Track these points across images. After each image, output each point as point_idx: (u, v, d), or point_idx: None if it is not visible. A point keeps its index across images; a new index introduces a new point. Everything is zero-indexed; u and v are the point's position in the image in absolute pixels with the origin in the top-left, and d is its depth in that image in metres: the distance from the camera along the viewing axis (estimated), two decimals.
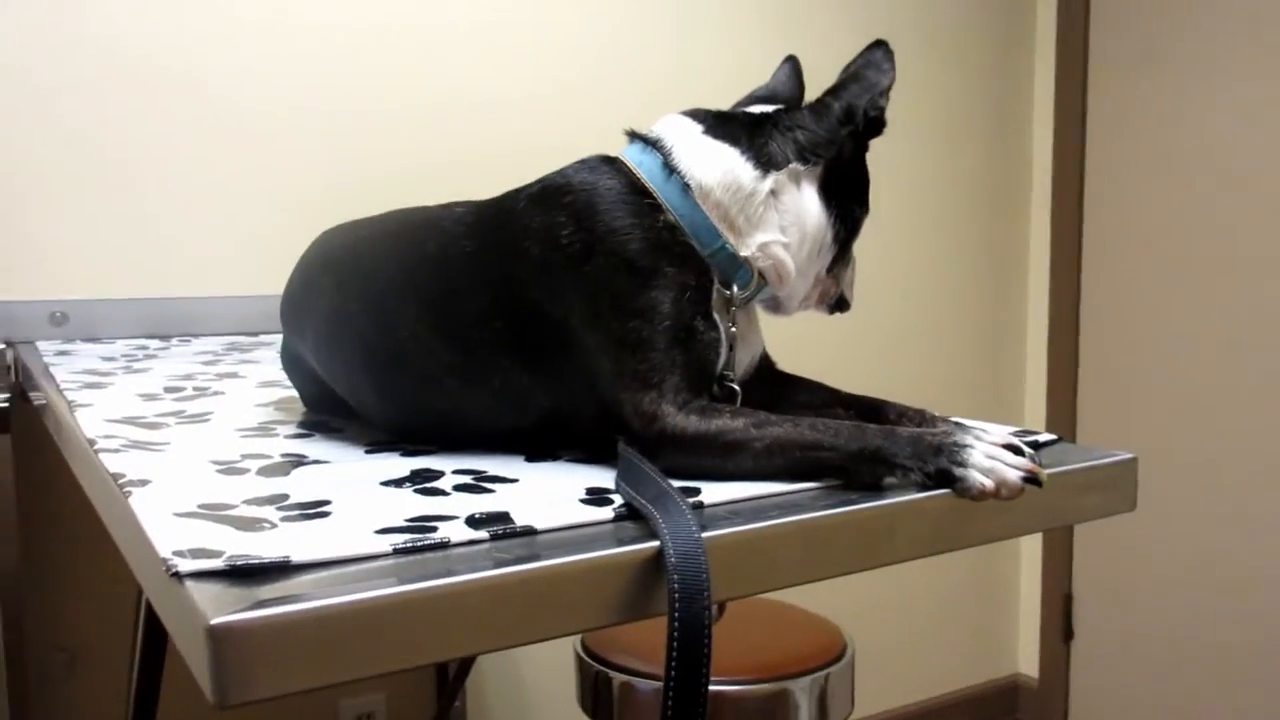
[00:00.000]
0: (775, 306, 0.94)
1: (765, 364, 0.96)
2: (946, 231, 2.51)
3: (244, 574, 0.56)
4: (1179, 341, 2.35)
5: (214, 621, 0.49)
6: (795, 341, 1.97)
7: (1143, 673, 2.49)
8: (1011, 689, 2.79)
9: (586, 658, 1.60)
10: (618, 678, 1.54)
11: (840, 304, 0.98)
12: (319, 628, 0.52)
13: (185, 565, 0.56)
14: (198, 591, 0.54)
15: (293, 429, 0.98)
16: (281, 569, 0.57)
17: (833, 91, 0.90)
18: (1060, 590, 2.65)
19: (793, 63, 1.00)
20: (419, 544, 0.62)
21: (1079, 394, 2.57)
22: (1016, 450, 0.74)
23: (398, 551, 0.61)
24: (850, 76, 0.90)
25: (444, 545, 0.63)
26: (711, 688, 0.57)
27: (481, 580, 0.58)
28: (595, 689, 1.58)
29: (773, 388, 0.94)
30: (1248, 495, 2.25)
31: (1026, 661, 2.79)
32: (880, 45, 0.91)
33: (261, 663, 0.51)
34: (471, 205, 0.93)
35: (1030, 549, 2.73)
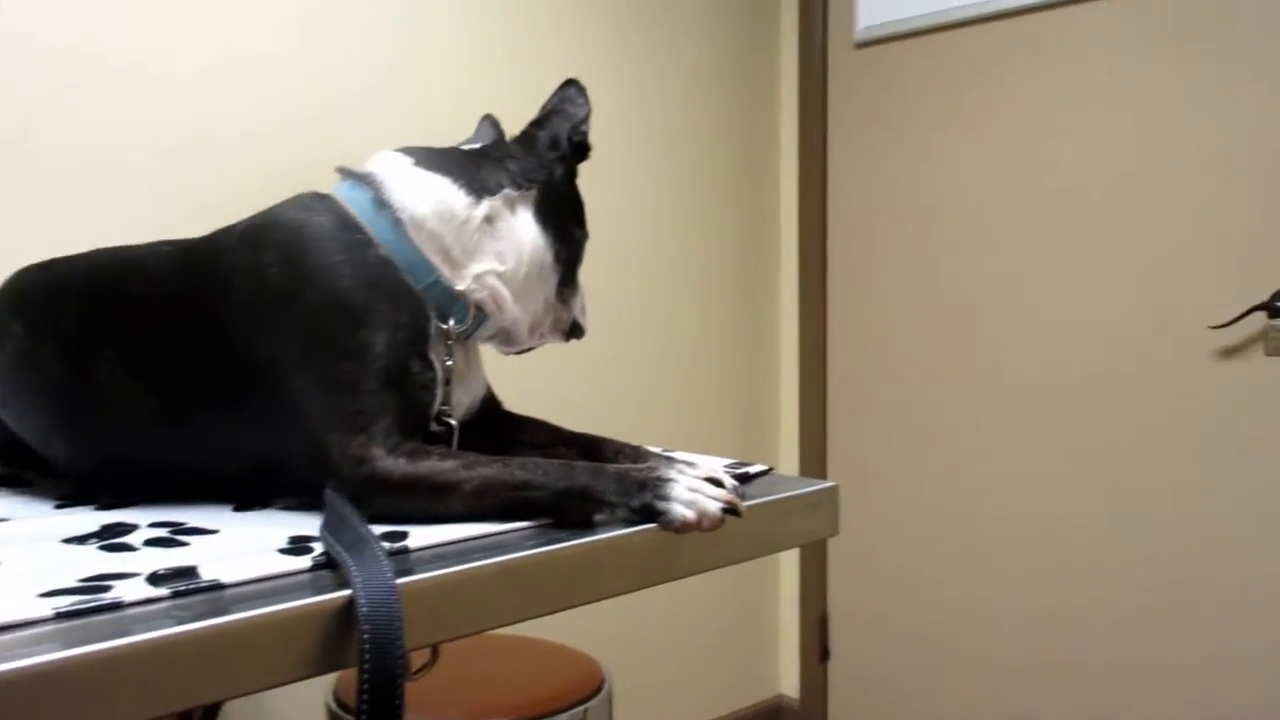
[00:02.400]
0: (507, 340, 0.94)
1: (491, 405, 0.96)
2: (703, 272, 2.60)
3: None
4: (921, 369, 2.52)
5: None
6: (549, 383, 1.98)
7: (895, 687, 2.63)
8: (775, 711, 2.88)
9: (338, 708, 1.54)
10: None
11: (574, 330, 0.99)
12: None
13: None
14: None
15: None
16: None
17: (536, 123, 0.93)
18: (816, 611, 2.77)
19: (490, 120, 1.02)
20: (87, 606, 0.58)
21: (829, 426, 2.71)
22: (718, 483, 0.77)
23: (60, 615, 0.57)
24: (550, 111, 0.94)
25: (117, 606, 0.59)
26: None
27: (152, 641, 0.55)
28: None
29: (498, 428, 0.94)
30: (987, 517, 2.42)
31: (788, 683, 2.89)
32: (573, 83, 0.95)
33: None
34: (178, 244, 0.89)
35: (789, 571, 2.84)
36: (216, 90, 1.75)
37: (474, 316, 0.87)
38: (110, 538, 0.73)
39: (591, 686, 1.60)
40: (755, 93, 2.70)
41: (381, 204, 0.84)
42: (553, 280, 0.92)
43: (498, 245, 0.87)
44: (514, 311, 0.89)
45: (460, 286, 0.85)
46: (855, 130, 2.59)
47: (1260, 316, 1.95)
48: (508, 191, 0.88)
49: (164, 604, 0.60)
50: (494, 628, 0.69)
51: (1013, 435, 2.35)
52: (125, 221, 1.63)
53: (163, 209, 1.69)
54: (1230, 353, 2.02)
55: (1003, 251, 2.35)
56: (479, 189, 0.87)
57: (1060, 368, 2.26)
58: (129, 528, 0.75)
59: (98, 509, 0.81)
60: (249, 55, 1.79)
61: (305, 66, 1.86)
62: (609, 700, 1.62)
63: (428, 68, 2.02)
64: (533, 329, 0.94)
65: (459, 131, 1.03)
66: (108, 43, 1.64)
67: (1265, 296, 1.95)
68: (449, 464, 0.76)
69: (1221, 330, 2.01)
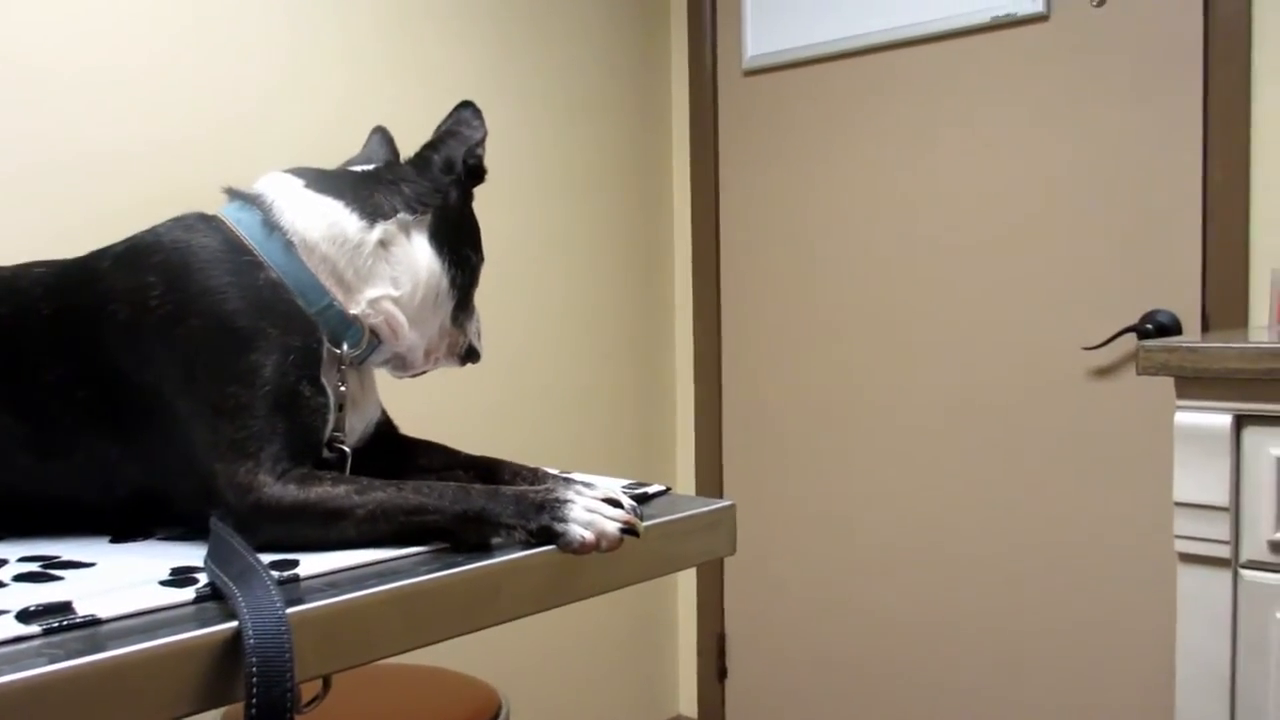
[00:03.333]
0: (401, 365, 0.93)
1: (386, 429, 0.94)
2: (598, 294, 2.60)
3: None
4: (812, 388, 2.56)
5: None
6: (445, 406, 1.95)
7: (793, 705, 2.66)
8: None
9: None
10: None
11: (470, 354, 0.98)
12: None
13: None
14: None
15: None
16: None
17: (431, 146, 0.92)
18: (714, 631, 2.79)
19: (382, 132, 1.01)
20: None
21: (724, 445, 2.73)
22: (616, 503, 0.77)
23: None
24: (446, 133, 0.93)
25: None
26: None
27: (23, 682, 0.52)
28: None
29: (393, 452, 0.93)
30: (879, 533, 2.47)
31: (687, 702, 2.89)
32: (468, 105, 0.94)
33: None
34: (53, 266, 0.86)
35: (686, 591, 2.85)
36: (92, 106, 1.69)
37: (368, 341, 0.85)
38: None
39: (489, 713, 1.57)
40: (648, 118, 2.72)
41: (272, 226, 0.82)
42: (448, 305, 0.91)
43: (392, 270, 0.85)
44: (409, 337, 0.88)
45: (354, 311, 0.83)
46: (745, 154, 2.64)
47: (1131, 338, 2.04)
48: (402, 216, 0.86)
49: (35, 642, 0.57)
50: (388, 656, 0.68)
51: (901, 453, 2.41)
52: None
53: (33, 225, 1.62)
54: (1104, 373, 2.11)
55: (886, 273, 2.41)
56: (372, 213, 0.85)
57: (943, 387, 2.33)
58: None
59: None
60: (124, 69, 1.73)
61: (188, 83, 1.81)
62: None
63: (313, 89, 1.99)
64: (428, 354, 0.93)
65: (345, 154, 1.01)
66: None
67: (1135, 319, 2.04)
68: (341, 489, 0.74)
69: (1095, 351, 2.09)
